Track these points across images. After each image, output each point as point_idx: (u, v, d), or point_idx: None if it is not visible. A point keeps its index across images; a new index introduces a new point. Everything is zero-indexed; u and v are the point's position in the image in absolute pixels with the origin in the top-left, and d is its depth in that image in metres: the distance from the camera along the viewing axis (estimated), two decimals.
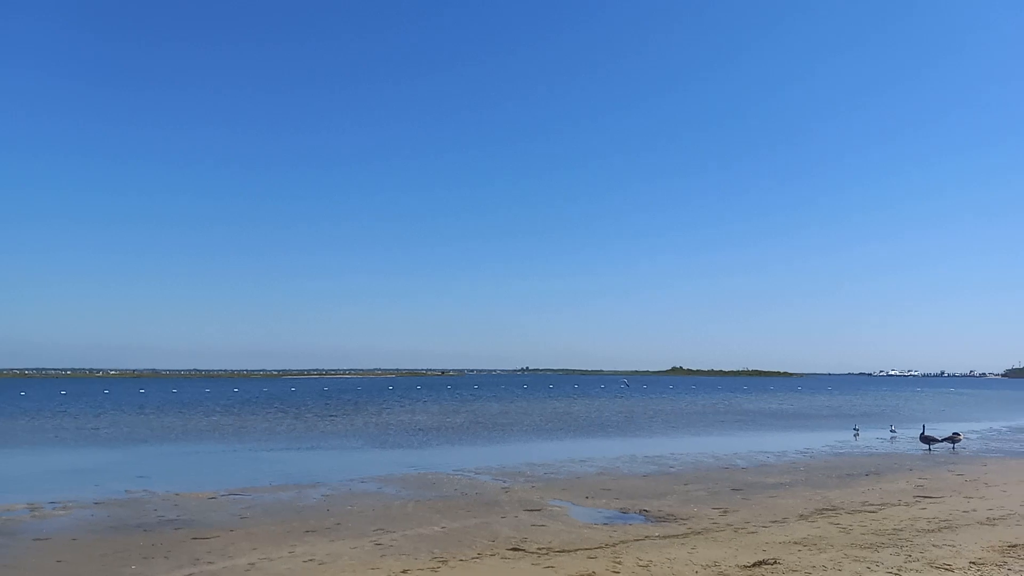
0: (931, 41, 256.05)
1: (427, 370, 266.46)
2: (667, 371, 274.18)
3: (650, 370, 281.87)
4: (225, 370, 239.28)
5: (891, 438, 35.52)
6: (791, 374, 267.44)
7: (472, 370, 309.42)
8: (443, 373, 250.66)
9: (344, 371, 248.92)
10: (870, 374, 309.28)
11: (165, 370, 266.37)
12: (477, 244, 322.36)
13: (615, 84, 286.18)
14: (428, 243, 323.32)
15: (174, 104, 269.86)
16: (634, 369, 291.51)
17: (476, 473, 22.31)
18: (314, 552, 12.40)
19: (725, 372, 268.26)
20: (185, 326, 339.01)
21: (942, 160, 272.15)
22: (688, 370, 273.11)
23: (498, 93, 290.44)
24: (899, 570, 10.33)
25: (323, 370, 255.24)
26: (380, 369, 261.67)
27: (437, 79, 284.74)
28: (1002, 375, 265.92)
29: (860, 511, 15.77)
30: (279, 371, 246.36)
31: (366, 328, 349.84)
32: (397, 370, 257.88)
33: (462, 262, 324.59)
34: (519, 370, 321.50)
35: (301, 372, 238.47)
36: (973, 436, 35.50)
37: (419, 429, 39.15)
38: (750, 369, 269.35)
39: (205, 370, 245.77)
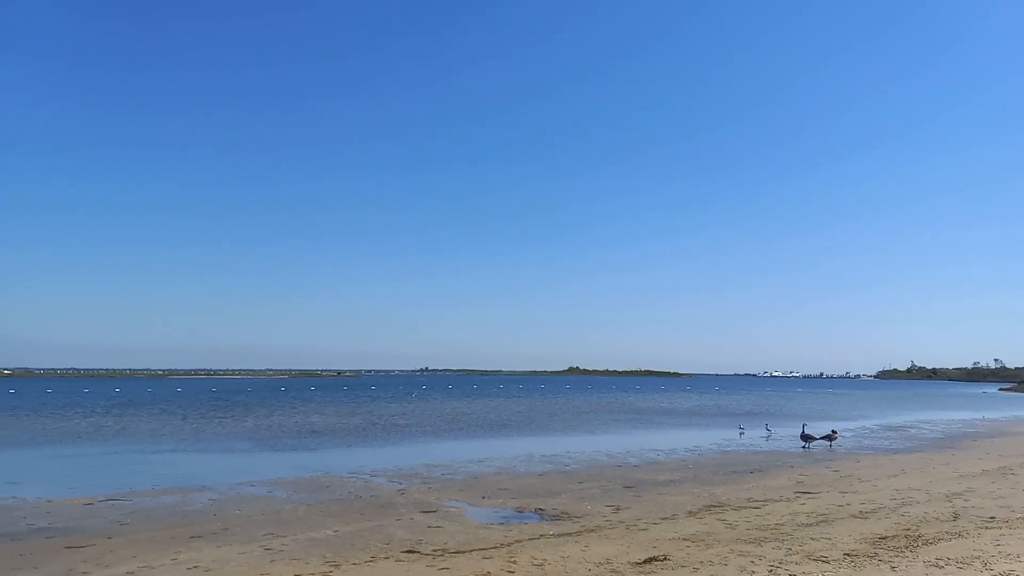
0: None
1: (322, 371, 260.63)
2: (564, 371, 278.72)
3: (548, 370, 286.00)
4: (106, 369, 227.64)
5: (767, 436, 37.15)
6: (681, 374, 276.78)
7: (369, 371, 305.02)
8: (339, 374, 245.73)
9: (234, 371, 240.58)
10: (755, 375, 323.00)
11: (39, 369, 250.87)
12: (374, 239, 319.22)
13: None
14: (322, 238, 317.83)
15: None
16: (532, 369, 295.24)
17: (371, 475, 21.97)
18: (199, 559, 11.88)
19: (620, 372, 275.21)
20: (61, 322, 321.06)
21: (831, 162, 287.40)
22: (584, 370, 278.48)
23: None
24: (780, 563, 10.77)
25: (211, 370, 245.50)
26: (272, 370, 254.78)
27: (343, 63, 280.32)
28: (875, 376, 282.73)
29: (745, 507, 16.39)
30: (164, 371, 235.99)
31: (256, 326, 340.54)
32: (290, 371, 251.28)
33: (359, 258, 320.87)
34: (418, 371, 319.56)
35: (188, 372, 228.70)
36: (848, 434, 37.53)
37: (312, 431, 38.24)
38: (643, 369, 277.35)
39: (84, 369, 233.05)
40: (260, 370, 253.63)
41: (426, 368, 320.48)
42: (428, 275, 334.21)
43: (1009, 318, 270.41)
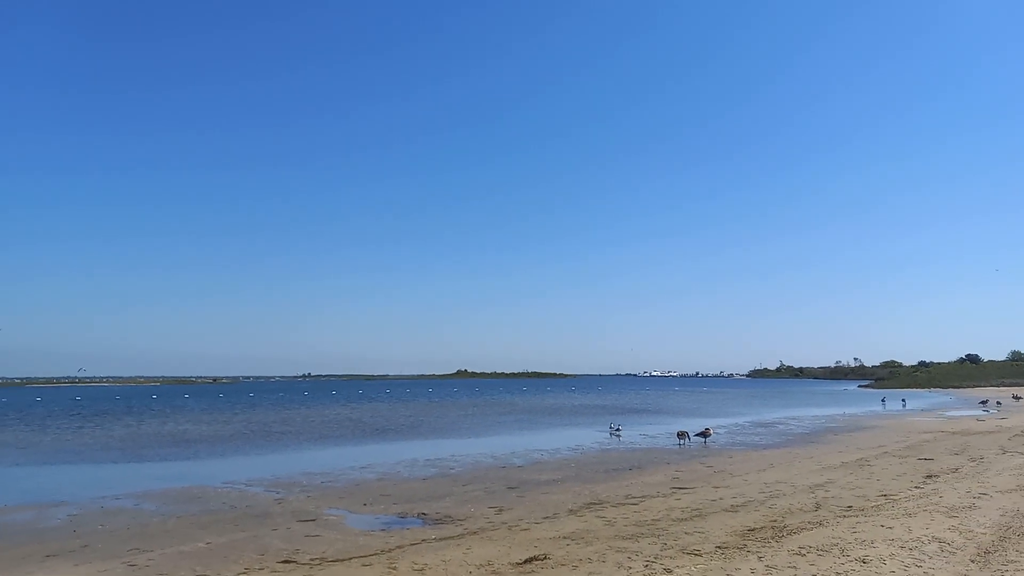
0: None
1: (196, 377, 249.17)
2: (453, 374, 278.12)
3: (436, 374, 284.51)
4: None
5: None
6: (567, 375, 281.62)
7: (248, 377, 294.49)
8: (215, 380, 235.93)
9: (101, 379, 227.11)
10: (636, 375, 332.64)
11: None
12: (250, 239, 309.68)
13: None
14: (193, 238, 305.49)
15: None
16: (420, 373, 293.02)
17: (247, 485, 21.15)
18: None
19: (507, 374, 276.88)
20: None
21: (705, 163, 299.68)
22: (473, 373, 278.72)
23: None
24: (656, 558, 11.05)
25: (75, 378, 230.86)
26: (142, 376, 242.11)
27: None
28: (747, 375, 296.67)
29: (624, 504, 16.78)
30: (22, 379, 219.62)
31: (125, 330, 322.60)
32: (162, 377, 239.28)
33: (237, 258, 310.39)
34: (300, 376, 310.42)
35: (49, 380, 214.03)
36: (721, 431, 39.15)
37: (185, 440, 36.53)
38: (530, 371, 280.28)
39: None
40: (129, 377, 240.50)
41: (309, 374, 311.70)
42: (310, 277, 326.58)
43: (866, 320, 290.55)
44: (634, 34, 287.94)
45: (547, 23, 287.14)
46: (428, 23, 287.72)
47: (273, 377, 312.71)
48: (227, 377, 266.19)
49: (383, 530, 14.64)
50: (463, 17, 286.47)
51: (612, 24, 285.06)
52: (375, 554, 12.27)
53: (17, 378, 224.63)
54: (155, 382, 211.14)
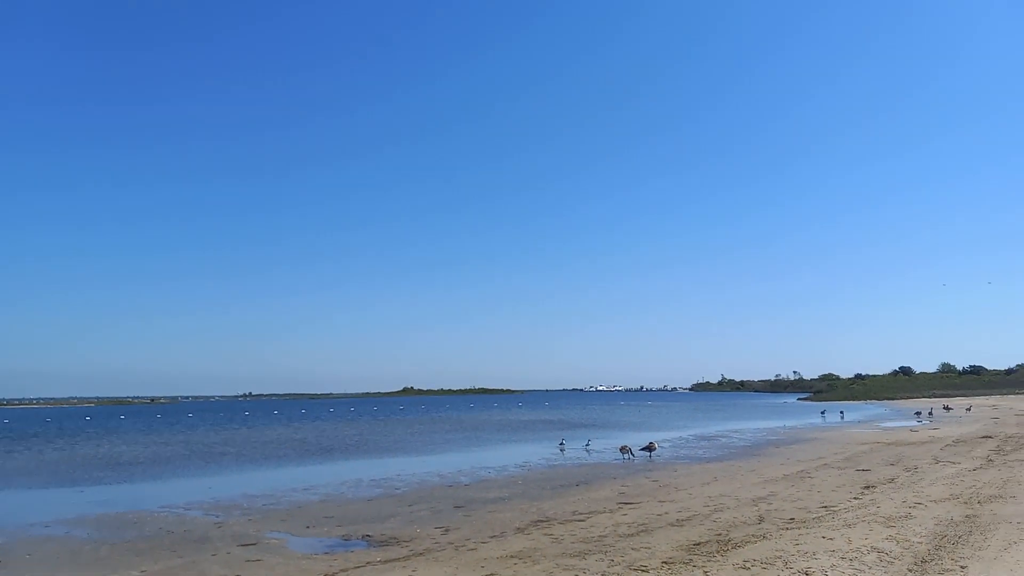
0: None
1: (133, 398, 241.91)
2: (399, 392, 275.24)
3: (381, 391, 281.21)
4: None
5: (587, 446, 38.59)
6: (513, 391, 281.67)
7: (187, 396, 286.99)
8: (153, 401, 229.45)
9: (31, 400, 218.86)
10: (582, 389, 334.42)
11: None
12: (193, 254, 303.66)
13: None
14: (128, 255, 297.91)
15: None
16: (365, 391, 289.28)
17: (185, 508, 20.52)
18: None
19: (454, 391, 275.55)
20: None
21: (646, 183, 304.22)
22: (419, 390, 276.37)
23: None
24: (603, 574, 11.04)
25: (3, 400, 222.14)
26: (76, 398, 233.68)
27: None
28: (690, 389, 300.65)
29: (571, 520, 16.76)
30: None
31: (57, 350, 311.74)
32: (97, 398, 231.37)
33: (173, 276, 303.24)
34: (241, 396, 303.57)
35: None
36: (666, 444, 39.51)
37: (121, 463, 35.33)
38: (477, 387, 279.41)
39: None
40: (62, 398, 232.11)
41: (250, 393, 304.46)
42: (251, 294, 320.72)
43: (805, 335, 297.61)
44: (591, 45, 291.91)
45: (519, 25, 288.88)
46: (400, 26, 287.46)
47: (213, 396, 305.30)
48: (165, 397, 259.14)
49: (326, 553, 14.32)
50: (438, 17, 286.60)
51: (579, 30, 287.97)
52: None
53: None
54: (89, 403, 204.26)
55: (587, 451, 37.37)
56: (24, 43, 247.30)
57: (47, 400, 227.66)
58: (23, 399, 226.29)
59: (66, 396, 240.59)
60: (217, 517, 18.95)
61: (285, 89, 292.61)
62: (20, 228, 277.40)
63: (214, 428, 69.55)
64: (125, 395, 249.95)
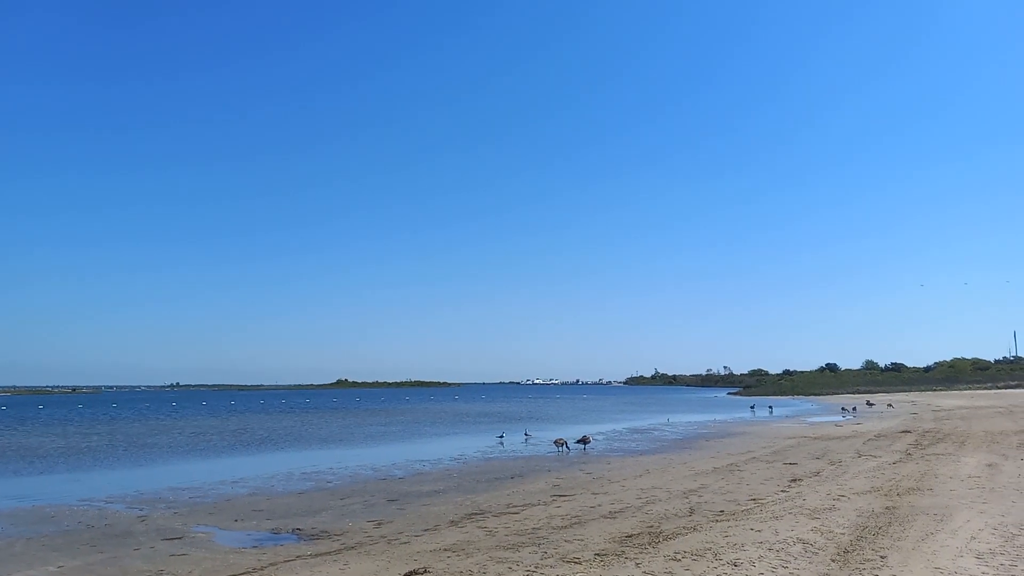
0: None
1: (53, 387, 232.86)
2: (333, 384, 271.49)
3: (315, 383, 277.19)
4: None
5: (525, 440, 38.93)
6: (450, 383, 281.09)
7: (111, 387, 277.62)
8: (74, 390, 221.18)
9: None
10: (519, 383, 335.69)
11: None
12: (119, 243, 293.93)
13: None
14: (63, 241, 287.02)
15: None
16: (297, 383, 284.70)
17: (107, 502, 19.80)
18: None
19: (389, 383, 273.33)
20: None
21: (596, 183, 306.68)
22: (353, 382, 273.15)
23: None
24: (536, 567, 11.04)
25: None
26: None
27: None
28: (624, 382, 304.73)
29: (505, 513, 16.74)
30: None
31: None
32: (14, 387, 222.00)
33: (92, 263, 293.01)
34: (168, 386, 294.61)
35: None
36: (600, 437, 39.92)
37: (38, 455, 33.95)
38: (412, 380, 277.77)
39: None
40: None
41: (177, 384, 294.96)
42: (179, 284, 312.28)
43: (735, 331, 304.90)
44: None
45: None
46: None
47: (139, 387, 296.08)
48: (88, 387, 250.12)
49: (255, 547, 13.98)
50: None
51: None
52: (246, 572, 11.69)
53: None
54: (6, 392, 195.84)
55: (525, 442, 37.61)
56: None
57: None
58: None
59: None
60: (141, 511, 18.34)
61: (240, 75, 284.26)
62: None
63: (139, 419, 67.52)
64: (45, 384, 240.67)
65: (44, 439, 43.23)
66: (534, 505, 17.82)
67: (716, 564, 10.66)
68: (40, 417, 71.62)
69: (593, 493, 19.50)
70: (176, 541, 14.59)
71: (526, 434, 41.70)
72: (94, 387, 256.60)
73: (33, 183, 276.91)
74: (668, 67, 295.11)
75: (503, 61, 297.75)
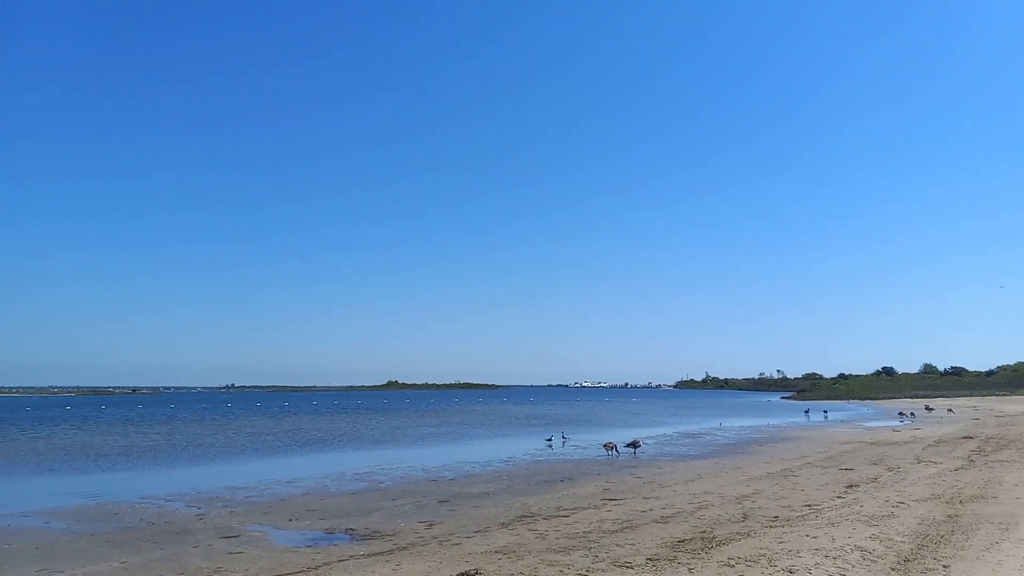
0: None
1: (114, 388, 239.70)
2: (383, 385, 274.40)
3: (365, 385, 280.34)
4: None
5: (562, 443, 38.79)
6: (498, 386, 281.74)
7: (169, 388, 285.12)
8: (134, 391, 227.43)
9: (11, 389, 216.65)
10: (567, 385, 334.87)
11: None
12: (174, 248, 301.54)
13: None
14: (111, 249, 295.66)
15: None
16: (349, 384, 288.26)
17: (167, 500, 20.33)
18: None
19: (438, 385, 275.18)
20: None
21: (651, 181, 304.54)
22: (403, 384, 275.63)
23: None
24: (588, 570, 11.00)
25: None
26: (57, 387, 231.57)
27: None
28: (674, 386, 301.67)
29: (555, 516, 16.72)
30: None
31: (39, 340, 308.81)
32: (78, 388, 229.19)
33: (155, 269, 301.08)
34: (224, 387, 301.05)
35: None
36: (650, 441, 39.60)
37: (101, 453, 35.01)
38: (461, 382, 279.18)
39: None
40: (42, 388, 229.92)
41: (232, 385, 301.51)
42: (234, 288, 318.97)
43: (789, 334, 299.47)
44: (594, 40, 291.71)
45: (527, 19, 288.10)
46: (410, 19, 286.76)
47: (195, 388, 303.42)
48: (147, 388, 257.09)
49: (309, 546, 14.21)
50: (446, 13, 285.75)
51: (581, 25, 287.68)
52: (300, 571, 11.89)
53: None
54: (70, 393, 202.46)
55: (563, 445, 37.58)
56: (27, 32, 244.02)
57: (28, 389, 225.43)
58: (4, 387, 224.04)
59: (46, 385, 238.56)
60: (199, 509, 18.79)
61: (275, 84, 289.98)
62: (4, 220, 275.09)
63: (196, 419, 69.15)
64: (106, 385, 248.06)
65: (107, 438, 44.56)
66: (584, 509, 17.75)
67: (771, 570, 10.49)
68: (103, 417, 73.86)
69: (644, 497, 19.35)
70: (233, 539, 14.91)
71: (563, 436, 41.60)
72: (153, 388, 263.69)
73: (96, 186, 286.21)
74: (709, 65, 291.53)
75: (541, 65, 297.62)
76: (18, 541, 14.96)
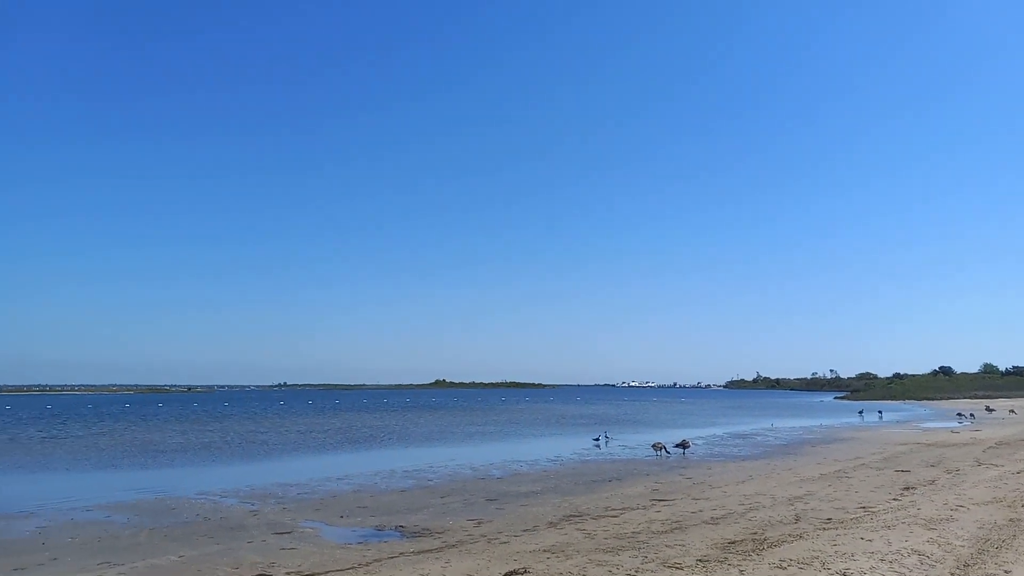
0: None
1: (170, 386, 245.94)
2: (431, 384, 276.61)
3: (413, 383, 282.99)
4: None
5: (605, 442, 38.56)
6: (545, 385, 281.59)
7: (223, 386, 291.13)
8: (189, 389, 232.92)
9: (73, 387, 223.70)
10: (614, 385, 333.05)
11: None
12: (229, 247, 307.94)
13: None
14: (167, 246, 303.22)
15: None
16: (397, 383, 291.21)
17: (222, 496, 20.81)
18: None
19: (485, 384, 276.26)
20: None
21: (694, 177, 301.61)
22: (451, 383, 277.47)
23: None
24: (637, 571, 10.94)
25: (46, 386, 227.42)
26: (115, 385, 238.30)
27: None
28: (724, 386, 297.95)
29: (603, 516, 16.67)
30: None
31: (99, 339, 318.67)
32: (136, 386, 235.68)
33: (209, 267, 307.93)
34: (276, 386, 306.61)
35: (19, 388, 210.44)
36: (700, 442, 39.17)
37: (158, 449, 35.96)
38: (508, 381, 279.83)
39: None
40: (102, 385, 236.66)
41: (284, 383, 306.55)
42: (286, 287, 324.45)
43: (842, 333, 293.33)
44: (620, 48, 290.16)
45: (544, 31, 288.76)
46: (429, 29, 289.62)
47: (248, 386, 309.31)
48: (202, 386, 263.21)
49: (360, 543, 14.42)
50: (461, 23, 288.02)
51: (601, 34, 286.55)
52: (352, 568, 12.07)
53: None
54: (128, 391, 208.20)
55: (605, 444, 37.37)
56: (38, 35, 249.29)
57: (89, 387, 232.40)
58: (66, 385, 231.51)
59: (106, 383, 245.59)
60: (252, 505, 19.19)
61: (309, 88, 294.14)
62: (62, 220, 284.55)
63: (249, 417, 70.55)
64: (162, 383, 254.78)
65: (164, 435, 45.75)
66: (633, 509, 17.66)
67: (824, 573, 10.30)
68: (160, 414, 75.82)
69: (694, 498, 19.17)
70: (286, 535, 15.19)
71: (605, 436, 41.13)
72: (208, 386, 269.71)
73: (160, 186, 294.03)
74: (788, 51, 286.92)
75: (591, 60, 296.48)
76: (82, 534, 15.47)
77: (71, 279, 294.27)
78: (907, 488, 19.74)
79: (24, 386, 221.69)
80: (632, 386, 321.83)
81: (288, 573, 11.86)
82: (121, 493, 21.40)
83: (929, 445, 35.01)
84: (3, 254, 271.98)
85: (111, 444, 38.94)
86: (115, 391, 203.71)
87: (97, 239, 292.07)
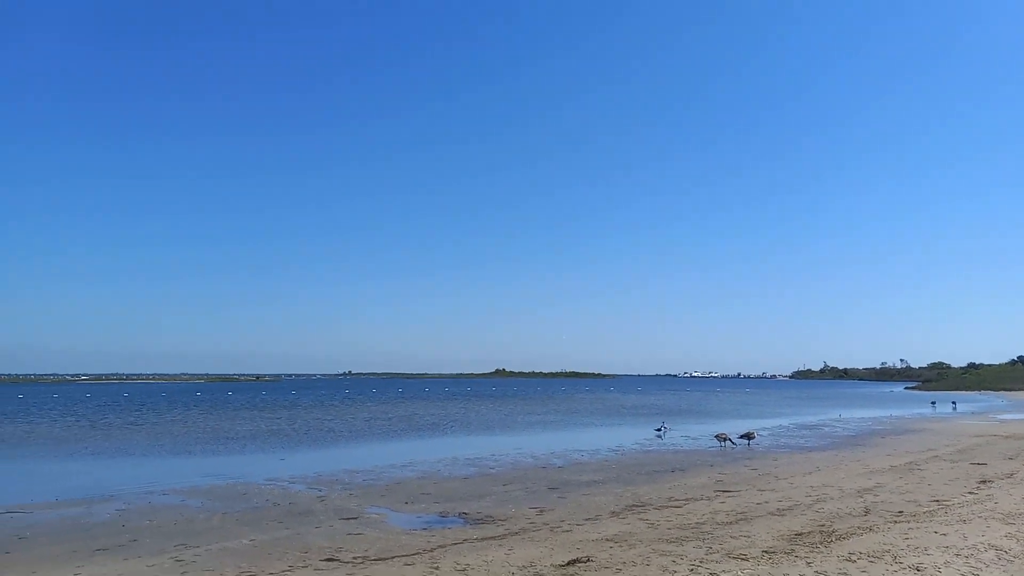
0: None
1: (239, 375, 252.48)
2: (491, 373, 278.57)
3: (474, 373, 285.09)
4: (7, 375, 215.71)
5: (666, 432, 37.89)
6: (605, 375, 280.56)
7: (290, 375, 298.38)
8: (258, 379, 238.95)
9: (147, 376, 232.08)
10: (676, 375, 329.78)
11: None
12: (288, 244, 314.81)
13: None
14: (238, 242, 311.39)
15: None
16: (458, 372, 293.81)
17: (290, 482, 21.36)
18: (104, 572, 11.26)
19: (545, 374, 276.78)
20: None
21: (752, 167, 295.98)
22: (511, 372, 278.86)
23: None
24: (701, 562, 10.87)
25: (123, 375, 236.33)
26: (187, 374, 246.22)
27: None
28: (790, 376, 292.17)
29: (667, 506, 16.56)
30: (72, 375, 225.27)
31: (172, 330, 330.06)
32: (206, 375, 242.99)
33: (278, 261, 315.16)
34: (341, 374, 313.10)
35: (98, 377, 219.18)
36: (765, 433, 38.52)
37: (229, 436, 37.07)
38: (568, 371, 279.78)
39: None
40: (175, 375, 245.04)
41: (349, 372, 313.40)
42: (351, 278, 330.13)
43: (913, 321, 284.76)
44: (652, 48, 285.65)
45: (568, 35, 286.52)
46: (434, 32, 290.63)
47: (315, 375, 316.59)
48: (270, 375, 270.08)
49: (425, 529, 14.64)
50: (467, 27, 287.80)
51: (632, 34, 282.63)
52: (417, 553, 12.26)
53: (68, 374, 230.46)
54: (199, 380, 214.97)
55: (663, 434, 36.88)
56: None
57: (162, 376, 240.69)
58: (141, 374, 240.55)
59: (178, 372, 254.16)
60: (320, 491, 19.64)
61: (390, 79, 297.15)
62: (137, 217, 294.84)
63: (316, 405, 72.11)
64: (232, 372, 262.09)
65: (235, 423, 47.13)
66: (697, 499, 17.50)
67: (896, 568, 10.06)
68: (230, 402, 78.08)
69: (759, 489, 18.89)
70: (352, 521, 15.51)
71: (664, 426, 40.14)
72: (275, 375, 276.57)
73: (224, 183, 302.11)
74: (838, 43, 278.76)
75: (634, 56, 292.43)
76: (159, 517, 16.07)
77: (145, 274, 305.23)
78: (983, 481, 19.10)
79: (101, 375, 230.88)
80: (695, 376, 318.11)
81: (355, 558, 12.11)
82: (195, 478, 22.14)
83: (1007, 437, 33.75)
84: (89, 250, 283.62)
85: (185, 431, 40.30)
86: (187, 380, 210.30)
87: (169, 235, 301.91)
